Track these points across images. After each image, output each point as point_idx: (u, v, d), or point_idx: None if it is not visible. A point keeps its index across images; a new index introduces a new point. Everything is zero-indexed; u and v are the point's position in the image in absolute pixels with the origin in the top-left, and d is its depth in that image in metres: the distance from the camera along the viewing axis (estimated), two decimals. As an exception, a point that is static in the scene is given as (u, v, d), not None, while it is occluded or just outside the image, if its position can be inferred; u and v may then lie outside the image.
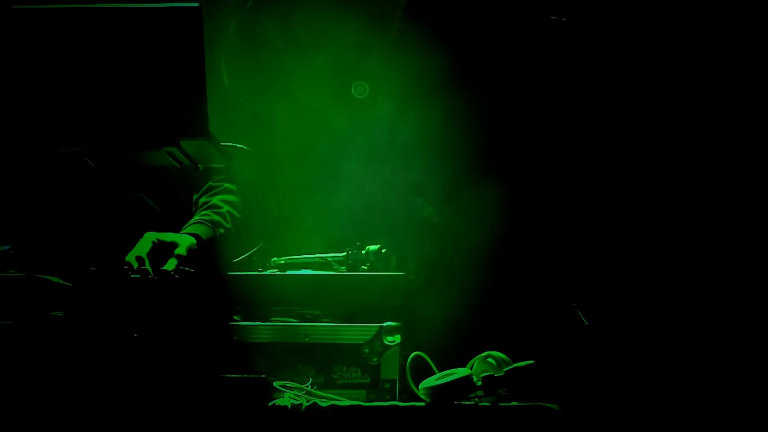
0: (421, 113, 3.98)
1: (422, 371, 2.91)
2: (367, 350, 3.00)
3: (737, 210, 4.28)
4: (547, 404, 2.79)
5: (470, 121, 4.09)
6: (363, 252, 3.17)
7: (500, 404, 2.83)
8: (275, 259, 3.26)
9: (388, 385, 2.98)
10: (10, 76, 2.95)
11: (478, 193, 4.09)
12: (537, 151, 4.23)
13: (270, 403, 2.81)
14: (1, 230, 3.41)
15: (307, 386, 2.93)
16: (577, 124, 4.32)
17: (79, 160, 3.05)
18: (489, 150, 4.13)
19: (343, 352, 3.00)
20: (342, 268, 3.20)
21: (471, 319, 3.81)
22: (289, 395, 2.84)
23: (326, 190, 3.98)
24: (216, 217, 3.56)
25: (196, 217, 3.56)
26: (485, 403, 2.83)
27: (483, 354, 2.97)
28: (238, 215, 3.63)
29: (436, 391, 2.82)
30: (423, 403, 2.84)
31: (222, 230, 3.55)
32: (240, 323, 3.05)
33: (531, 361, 2.87)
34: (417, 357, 2.93)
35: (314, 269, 3.20)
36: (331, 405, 2.81)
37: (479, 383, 2.85)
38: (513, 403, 2.83)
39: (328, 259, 3.22)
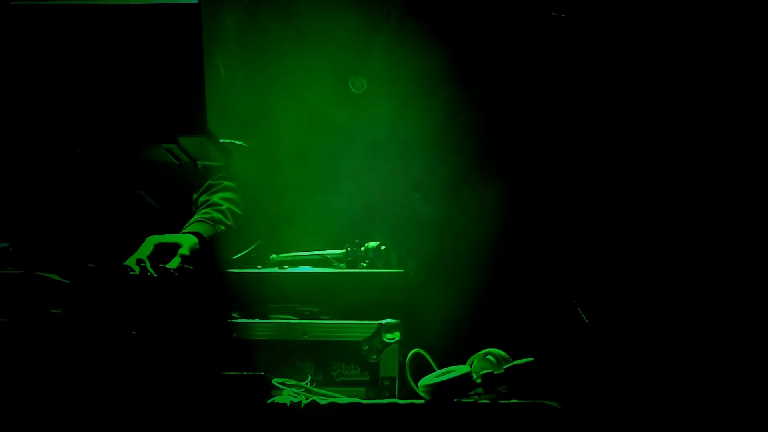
0: (420, 111, 3.97)
1: (422, 368, 2.91)
2: (366, 347, 2.99)
3: (737, 207, 4.28)
4: (548, 402, 2.78)
5: (470, 119, 4.08)
6: (362, 249, 3.16)
7: (500, 402, 2.82)
8: (274, 256, 3.26)
9: (387, 383, 2.97)
10: (8, 73, 2.94)
11: (478, 191, 4.08)
12: (537, 150, 4.23)
13: (269, 401, 2.81)
14: (1, 228, 3.40)
15: (306, 384, 2.92)
16: (577, 123, 4.31)
17: (78, 157, 3.04)
18: (489, 149, 4.12)
19: (342, 349, 3.00)
20: (341, 265, 3.20)
21: (471, 316, 3.81)
22: (288, 393, 2.84)
23: (326, 186, 3.98)
24: (217, 215, 3.56)
25: (197, 216, 3.55)
26: (485, 401, 2.83)
27: (483, 351, 2.95)
28: (238, 212, 3.62)
29: (435, 389, 2.82)
30: (422, 401, 2.83)
31: (223, 227, 3.54)
32: (239, 320, 3.05)
33: (531, 359, 2.87)
34: (416, 354, 2.92)
35: (313, 266, 3.20)
36: (330, 402, 2.80)
37: (479, 380, 2.84)
38: (513, 401, 2.82)
39: (327, 256, 3.22)
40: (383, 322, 3.00)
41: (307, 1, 4.00)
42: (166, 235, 3.36)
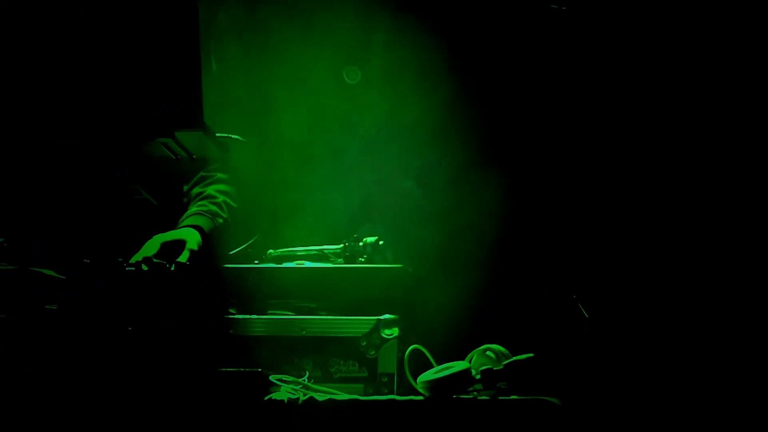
0: (420, 105, 3.97)
1: (420, 365, 2.90)
2: (364, 343, 2.98)
3: (736, 204, 4.28)
4: (547, 398, 2.77)
5: (470, 114, 4.08)
6: (360, 244, 3.15)
7: (499, 398, 2.80)
8: (271, 251, 3.24)
9: (385, 379, 2.96)
10: (2, 67, 2.94)
11: (478, 187, 4.08)
12: (537, 147, 4.23)
13: (266, 398, 2.79)
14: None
15: (304, 380, 2.90)
16: (577, 120, 4.31)
17: (75, 152, 3.03)
18: (489, 144, 4.12)
19: (340, 345, 2.98)
20: (339, 260, 3.18)
21: (470, 311, 3.80)
22: (286, 389, 2.83)
23: (325, 181, 3.97)
24: (214, 208, 3.54)
25: (193, 208, 3.53)
26: (484, 397, 2.82)
27: (482, 347, 2.95)
28: (234, 205, 3.61)
29: (434, 385, 2.80)
30: (421, 397, 2.82)
31: (220, 220, 3.53)
32: (236, 316, 3.03)
33: (530, 354, 2.85)
34: (415, 350, 2.91)
35: (311, 261, 3.18)
36: (329, 399, 2.79)
37: (478, 377, 2.83)
38: (512, 397, 2.81)
39: (325, 251, 3.20)
40: (382, 317, 2.98)
41: None
42: (170, 232, 3.35)
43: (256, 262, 3.18)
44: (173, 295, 2.89)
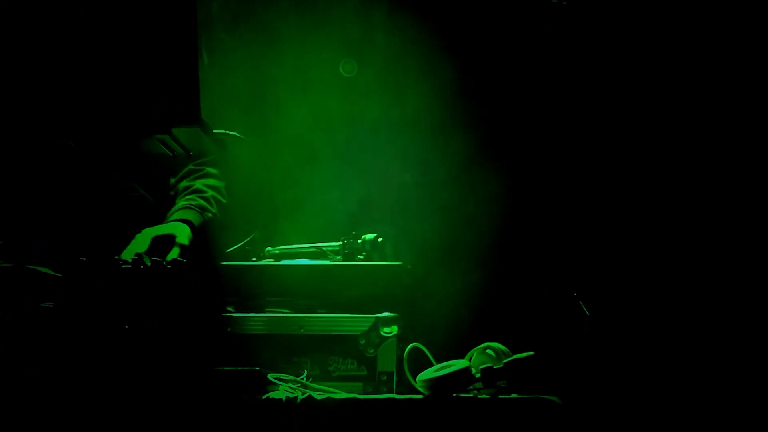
0: (419, 99, 3.96)
1: (420, 363, 2.88)
2: (363, 342, 2.96)
3: (736, 203, 4.28)
4: (548, 396, 2.75)
5: (470, 112, 4.08)
6: (359, 241, 3.14)
7: (500, 396, 2.79)
8: (269, 248, 3.23)
9: (385, 378, 2.94)
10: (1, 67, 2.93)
11: (479, 185, 4.08)
12: (537, 145, 4.23)
13: (264, 396, 2.78)
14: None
15: (303, 379, 2.89)
16: (578, 118, 4.31)
17: (71, 150, 3.02)
18: (489, 140, 4.13)
19: (339, 343, 2.97)
20: (338, 257, 3.17)
21: (470, 309, 3.79)
22: (284, 388, 2.81)
23: (325, 178, 3.96)
24: (202, 202, 3.52)
25: (181, 202, 3.50)
26: (484, 396, 2.80)
27: (482, 345, 2.93)
28: (223, 201, 3.59)
29: (434, 384, 2.79)
30: (421, 396, 2.80)
31: (209, 215, 3.50)
32: (234, 314, 3.02)
33: (531, 353, 2.84)
34: (414, 348, 2.89)
35: (309, 259, 3.17)
36: (327, 398, 2.77)
37: (478, 375, 2.81)
38: (513, 396, 2.79)
39: (324, 248, 3.19)
40: (381, 315, 2.97)
41: None
42: (160, 226, 3.33)
43: (254, 259, 3.16)
44: (170, 293, 2.87)
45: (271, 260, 3.18)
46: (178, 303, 2.87)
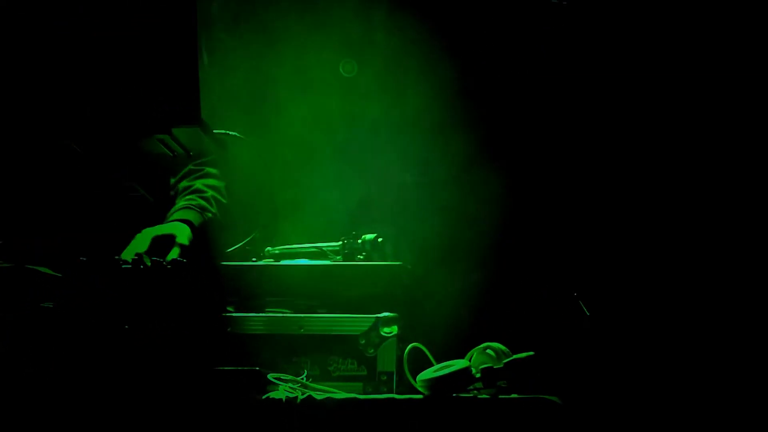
0: (420, 98, 3.96)
1: (420, 363, 2.87)
2: (363, 342, 2.96)
3: (736, 203, 4.27)
4: (548, 396, 2.74)
5: (471, 112, 4.08)
6: (359, 241, 3.13)
7: (500, 396, 2.79)
8: (269, 248, 3.23)
9: (385, 378, 2.94)
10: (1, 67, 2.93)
11: (479, 184, 4.08)
12: (538, 145, 4.23)
13: (264, 396, 2.77)
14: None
15: (302, 379, 2.89)
16: (578, 118, 4.31)
17: (73, 151, 3.02)
18: (489, 140, 4.12)
19: (339, 343, 2.96)
20: (338, 257, 3.16)
21: (470, 309, 3.79)
22: (284, 388, 2.81)
23: (325, 178, 3.96)
24: (202, 202, 3.52)
25: (181, 202, 3.50)
26: (484, 396, 2.79)
27: (482, 345, 2.92)
28: (223, 201, 3.58)
29: (434, 384, 2.78)
30: (421, 396, 2.80)
31: (209, 215, 3.50)
32: (233, 314, 3.01)
33: (531, 353, 2.83)
34: (414, 348, 2.88)
35: (309, 259, 3.17)
36: (327, 398, 2.77)
37: (478, 375, 2.81)
38: (513, 396, 2.79)
39: (324, 248, 3.18)
40: (380, 315, 2.96)
41: None
42: (160, 226, 3.33)
43: (254, 259, 3.15)
44: (171, 293, 2.87)
45: (271, 260, 3.17)
46: (178, 303, 2.86)
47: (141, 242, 3.24)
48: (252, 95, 3.98)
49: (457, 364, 2.81)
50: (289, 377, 2.85)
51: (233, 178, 3.66)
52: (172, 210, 3.45)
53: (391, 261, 3.09)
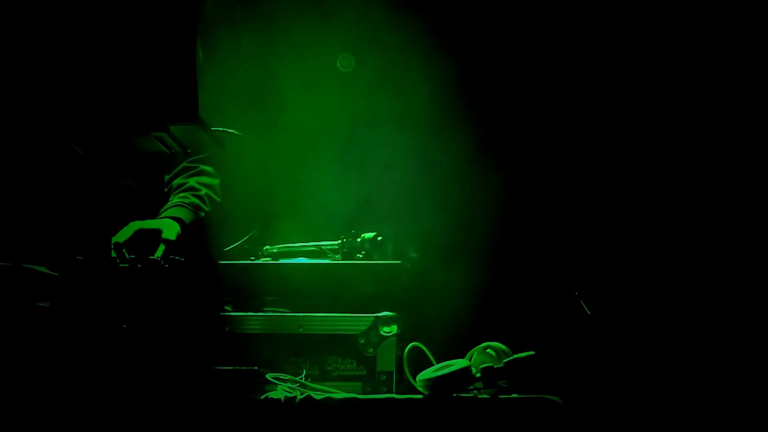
0: (419, 97, 3.96)
1: (420, 363, 2.86)
2: (362, 341, 2.94)
3: (737, 202, 4.27)
4: (549, 396, 2.73)
5: (469, 108, 4.08)
6: (358, 240, 3.12)
7: (500, 396, 2.77)
8: (268, 247, 3.22)
9: (384, 377, 2.92)
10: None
11: (479, 183, 4.08)
12: (538, 143, 4.23)
13: (263, 396, 2.76)
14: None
15: (301, 378, 2.87)
16: (578, 116, 4.31)
17: (72, 151, 3.02)
18: (489, 140, 4.13)
19: (338, 343, 2.95)
20: (337, 256, 3.15)
21: (470, 308, 3.78)
22: (283, 388, 2.80)
23: (323, 176, 3.95)
24: (196, 200, 3.51)
25: (174, 199, 3.50)
26: (485, 396, 2.78)
27: (482, 345, 2.91)
28: (217, 199, 3.58)
29: (434, 383, 2.77)
30: (420, 396, 2.79)
31: (202, 213, 3.50)
32: (231, 314, 3.00)
33: (532, 352, 2.82)
34: (414, 348, 2.87)
35: (308, 257, 3.15)
36: (326, 398, 2.76)
37: (478, 375, 2.79)
38: (513, 396, 2.78)
39: (323, 247, 3.17)
40: (380, 315, 2.95)
41: None
42: (148, 221, 3.32)
43: (252, 258, 3.14)
44: (168, 292, 2.86)
45: (270, 259, 3.16)
46: (176, 302, 2.85)
47: (123, 234, 3.23)
48: (251, 93, 3.97)
49: (457, 363, 2.80)
50: (288, 377, 2.84)
51: (232, 176, 3.66)
52: (165, 207, 3.45)
53: (391, 260, 3.07)
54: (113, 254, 2.90)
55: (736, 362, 4.15)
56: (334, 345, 2.95)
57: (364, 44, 4.00)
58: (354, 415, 2.73)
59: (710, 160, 4.30)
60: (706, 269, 4.24)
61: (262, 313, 3.00)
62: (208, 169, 3.63)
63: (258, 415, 2.73)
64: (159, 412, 2.73)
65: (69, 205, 3.41)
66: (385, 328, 2.95)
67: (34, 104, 2.91)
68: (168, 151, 3.02)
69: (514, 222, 4.18)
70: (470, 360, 2.88)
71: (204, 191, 3.54)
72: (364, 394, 2.89)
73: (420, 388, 2.79)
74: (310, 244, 3.19)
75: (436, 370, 2.79)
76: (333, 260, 3.13)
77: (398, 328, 2.95)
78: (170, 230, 3.28)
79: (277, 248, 3.20)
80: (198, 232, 3.42)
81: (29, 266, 2.88)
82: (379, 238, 3.12)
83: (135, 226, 3.25)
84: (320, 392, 2.81)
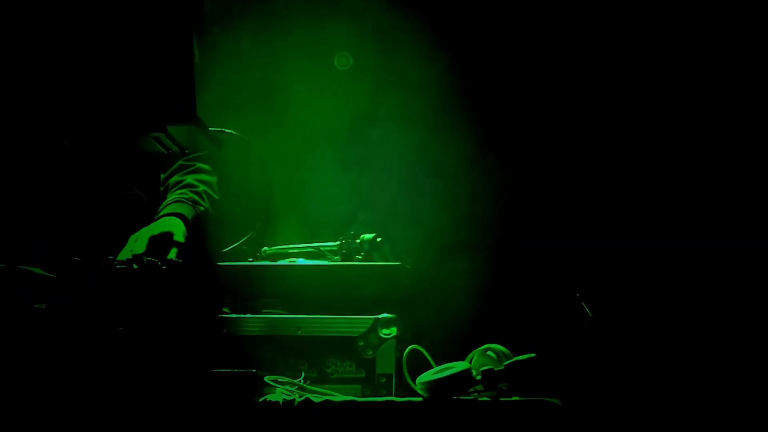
0: (419, 96, 3.96)
1: (419, 365, 2.84)
2: (361, 343, 2.93)
3: (738, 202, 4.27)
4: (550, 399, 2.72)
5: (468, 108, 4.07)
6: (357, 241, 3.11)
7: (500, 399, 2.76)
8: (266, 248, 3.20)
9: (383, 380, 2.91)
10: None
11: (478, 182, 4.07)
12: (538, 144, 4.23)
13: (261, 399, 2.74)
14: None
15: (300, 381, 2.86)
16: (578, 117, 4.30)
17: (72, 152, 3.01)
18: (489, 140, 4.12)
19: (337, 345, 2.93)
20: (336, 257, 3.14)
21: (470, 310, 3.77)
22: (281, 390, 2.78)
23: (322, 176, 3.95)
24: (194, 196, 3.51)
25: (173, 196, 3.49)
26: (485, 398, 2.77)
27: (482, 347, 2.90)
28: (215, 196, 3.58)
29: (433, 386, 2.75)
30: (420, 399, 2.77)
31: (201, 208, 3.50)
32: (230, 316, 2.98)
33: (532, 355, 2.80)
34: (414, 350, 2.86)
35: (307, 259, 3.14)
36: (325, 400, 2.74)
37: (479, 377, 2.77)
38: (514, 398, 2.76)
39: (321, 248, 3.16)
40: (379, 317, 2.93)
41: None
42: (153, 224, 3.32)
43: (250, 259, 3.12)
44: (166, 294, 2.85)
45: (268, 260, 3.14)
46: (174, 304, 2.84)
47: (139, 244, 3.23)
48: (250, 93, 3.96)
49: (458, 366, 2.78)
50: (287, 380, 2.83)
51: (231, 176, 3.65)
52: (164, 204, 3.44)
53: (390, 260, 3.06)
54: (134, 266, 2.87)
55: (738, 364, 4.15)
56: (333, 347, 2.93)
57: (364, 44, 3.99)
58: (353, 418, 2.71)
59: (710, 160, 4.29)
60: (707, 269, 4.23)
61: (260, 315, 2.98)
62: (205, 166, 3.62)
63: (256, 418, 2.72)
64: (157, 415, 2.71)
65: (69, 205, 3.40)
66: (385, 330, 2.93)
67: (34, 104, 2.90)
68: (165, 152, 3.02)
69: (515, 222, 4.18)
70: (470, 362, 2.86)
71: (202, 188, 3.54)
72: (363, 396, 2.88)
73: (420, 391, 2.77)
74: (309, 246, 3.18)
75: (435, 373, 2.77)
76: (332, 261, 3.12)
77: (398, 330, 2.93)
78: (178, 231, 3.28)
79: (276, 249, 3.19)
80: (198, 229, 3.41)
81: (25, 267, 2.87)
82: (379, 240, 3.11)
83: (145, 233, 3.25)
84: (319, 395, 2.79)
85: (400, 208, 4.00)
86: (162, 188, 3.56)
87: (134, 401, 2.72)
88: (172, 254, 3.22)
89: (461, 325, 3.57)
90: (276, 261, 3.13)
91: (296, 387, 2.82)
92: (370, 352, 2.93)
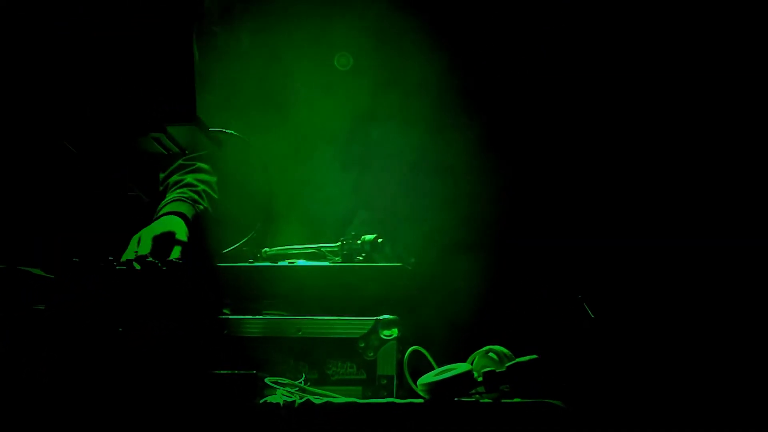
0: (419, 95, 3.96)
1: (421, 367, 2.84)
2: (362, 345, 2.93)
3: (739, 202, 4.27)
4: (552, 401, 2.72)
5: (468, 108, 4.07)
6: (358, 242, 3.10)
7: (502, 401, 2.76)
8: (267, 249, 3.19)
9: (384, 381, 2.90)
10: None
11: (479, 181, 4.07)
12: (538, 144, 4.22)
13: (261, 401, 2.74)
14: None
15: (300, 383, 2.86)
16: (579, 117, 4.30)
17: (71, 152, 3.01)
18: (489, 140, 4.12)
19: (337, 346, 2.93)
20: (336, 258, 3.12)
21: (472, 311, 3.76)
22: (282, 392, 2.78)
23: (323, 176, 3.94)
24: (193, 195, 3.51)
25: (173, 195, 3.50)
26: (486, 400, 2.76)
27: (484, 348, 2.89)
28: (215, 196, 3.58)
29: (435, 388, 2.75)
30: (421, 400, 2.76)
31: (201, 207, 3.50)
32: (230, 317, 2.97)
33: (534, 356, 2.80)
34: (415, 352, 2.85)
35: (307, 260, 3.13)
36: (326, 402, 2.73)
37: (480, 379, 2.77)
38: (515, 400, 2.76)
39: (322, 249, 3.15)
40: (380, 318, 2.93)
41: None
42: (155, 224, 3.33)
43: (250, 260, 3.12)
44: (166, 294, 2.85)
45: (269, 261, 3.13)
46: (174, 305, 2.84)
47: (143, 244, 3.23)
48: (250, 93, 3.96)
49: (459, 367, 2.78)
50: (287, 381, 2.82)
51: (231, 177, 3.65)
52: (163, 203, 3.45)
53: (392, 262, 3.05)
54: (137, 266, 2.87)
55: (740, 364, 4.14)
56: (333, 348, 2.93)
57: (364, 44, 3.99)
58: (354, 420, 2.71)
59: (710, 160, 4.29)
60: (708, 269, 4.23)
61: (261, 316, 2.98)
62: (205, 166, 3.63)
63: (256, 419, 2.71)
64: (156, 416, 2.71)
65: (69, 205, 3.40)
66: (386, 332, 2.93)
67: (34, 104, 2.90)
68: (165, 152, 3.02)
69: (516, 222, 4.18)
70: (472, 364, 2.85)
71: (201, 187, 3.54)
72: (364, 398, 2.87)
73: (421, 393, 2.77)
74: (310, 246, 3.18)
75: (437, 374, 2.76)
76: (333, 262, 3.11)
77: (399, 331, 2.93)
78: (180, 230, 3.29)
79: (276, 250, 3.18)
80: (198, 228, 3.42)
81: (25, 268, 2.87)
82: (380, 240, 3.10)
83: (148, 234, 3.25)
84: (320, 397, 2.79)
85: (401, 208, 3.99)
86: (161, 188, 3.56)
87: (134, 402, 2.72)
88: (176, 253, 3.23)
89: (462, 326, 3.56)
90: (276, 262, 3.12)
91: (297, 388, 2.82)
92: (371, 354, 2.92)
